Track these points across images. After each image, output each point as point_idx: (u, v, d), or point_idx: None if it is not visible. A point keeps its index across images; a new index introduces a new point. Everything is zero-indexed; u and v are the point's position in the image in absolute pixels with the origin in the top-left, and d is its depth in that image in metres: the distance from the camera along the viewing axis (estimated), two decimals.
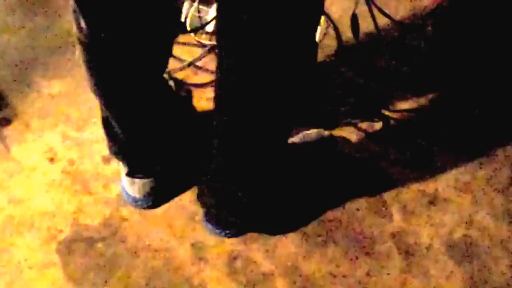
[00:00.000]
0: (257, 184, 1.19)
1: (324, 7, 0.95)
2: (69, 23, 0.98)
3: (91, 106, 1.42)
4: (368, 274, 1.24)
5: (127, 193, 1.30)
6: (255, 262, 1.25)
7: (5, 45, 1.57)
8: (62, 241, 1.26)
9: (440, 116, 1.46)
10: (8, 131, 1.42)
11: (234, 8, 0.86)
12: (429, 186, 1.35)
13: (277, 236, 1.28)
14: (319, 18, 0.95)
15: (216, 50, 1.06)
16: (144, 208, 1.31)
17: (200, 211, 1.28)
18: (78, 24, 0.93)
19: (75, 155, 1.38)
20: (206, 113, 1.43)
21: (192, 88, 1.49)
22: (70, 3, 0.92)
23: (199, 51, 1.55)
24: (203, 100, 1.47)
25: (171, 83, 1.46)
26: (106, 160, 1.37)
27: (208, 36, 1.57)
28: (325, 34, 1.58)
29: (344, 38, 1.58)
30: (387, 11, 1.53)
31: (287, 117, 1.08)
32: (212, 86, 1.39)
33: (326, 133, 1.38)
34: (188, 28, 1.59)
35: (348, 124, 1.44)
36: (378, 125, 1.45)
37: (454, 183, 1.36)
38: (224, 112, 1.03)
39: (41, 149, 1.39)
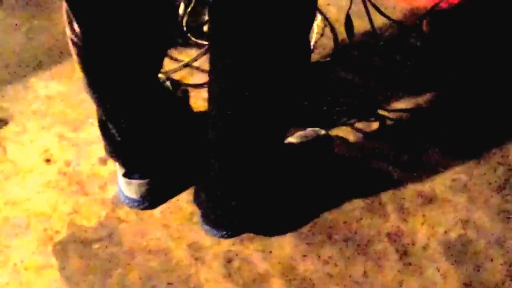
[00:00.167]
0: (254, 185, 1.19)
1: (317, 8, 0.95)
2: None
3: (87, 107, 1.41)
4: (364, 274, 1.24)
5: (123, 194, 1.29)
6: (252, 262, 1.25)
7: (2, 45, 1.57)
8: (59, 242, 1.26)
9: (437, 115, 1.46)
10: (4, 132, 1.42)
11: (226, 11, 0.86)
12: (426, 185, 1.36)
13: (274, 237, 1.28)
14: (313, 19, 0.95)
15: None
16: (140, 209, 1.30)
17: (197, 212, 1.28)
18: (71, 26, 0.93)
19: (71, 156, 1.38)
20: (203, 114, 1.43)
21: (189, 89, 1.49)
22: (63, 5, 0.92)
23: (195, 52, 1.55)
24: (200, 101, 1.46)
25: (168, 83, 1.46)
26: (102, 161, 1.37)
27: (204, 36, 1.57)
28: (322, 34, 1.58)
29: (340, 37, 1.58)
30: (383, 10, 1.53)
31: (283, 118, 1.08)
32: None
33: (323, 132, 1.38)
34: (184, 29, 1.59)
35: (345, 124, 1.44)
36: (374, 125, 1.45)
37: (450, 183, 1.36)
38: (218, 115, 1.03)
39: (37, 150, 1.39)
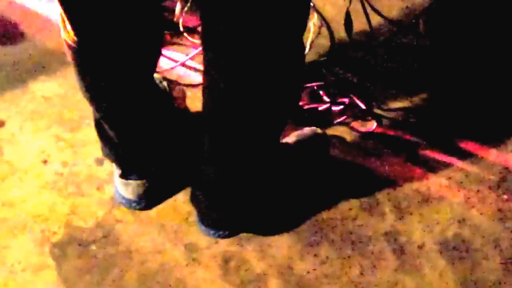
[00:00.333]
0: (249, 185, 1.19)
1: (310, 9, 0.95)
2: None
3: (84, 108, 1.41)
4: (361, 273, 1.25)
5: (120, 195, 1.30)
6: (248, 262, 1.26)
7: None
8: (56, 243, 1.27)
9: (433, 115, 1.46)
10: (1, 133, 1.42)
11: (218, 13, 0.86)
12: (422, 185, 1.36)
13: (271, 237, 1.28)
14: (306, 21, 0.94)
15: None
16: (137, 210, 1.31)
17: (193, 213, 1.28)
18: (65, 28, 0.93)
19: (68, 157, 1.39)
20: (200, 113, 1.43)
21: (185, 89, 1.50)
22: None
23: (191, 51, 1.56)
24: (197, 101, 1.47)
25: (165, 83, 1.46)
26: (99, 162, 1.37)
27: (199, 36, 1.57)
28: (318, 33, 1.58)
29: (337, 37, 1.58)
30: (379, 9, 1.53)
31: (277, 119, 1.09)
32: None
33: (319, 132, 1.38)
34: (181, 29, 1.59)
35: (341, 123, 1.45)
36: (371, 124, 1.45)
37: (446, 182, 1.36)
38: (213, 117, 1.03)
39: (34, 151, 1.40)
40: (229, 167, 1.13)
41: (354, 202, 1.33)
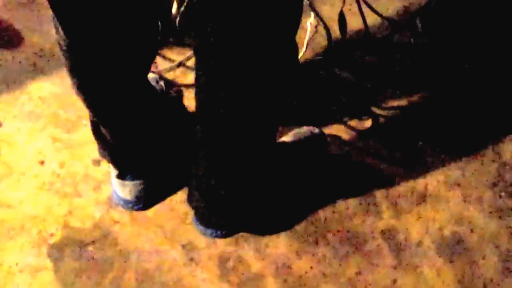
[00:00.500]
0: (245, 184, 1.19)
1: (302, 9, 0.94)
2: None
3: (80, 108, 1.40)
4: (359, 272, 1.25)
5: (117, 196, 1.30)
6: (246, 262, 1.26)
7: None
8: (53, 245, 1.27)
9: (430, 113, 1.46)
10: None
11: (209, 13, 0.85)
12: (419, 183, 1.36)
13: (268, 236, 1.28)
14: (298, 20, 0.94)
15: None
16: (135, 210, 1.31)
17: (191, 213, 1.28)
18: (57, 30, 0.93)
19: (65, 157, 1.38)
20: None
21: (182, 88, 1.49)
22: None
23: (188, 51, 1.55)
24: (194, 101, 1.46)
25: (161, 83, 1.46)
26: (96, 163, 1.37)
27: None
28: (315, 32, 1.58)
29: (334, 36, 1.58)
30: (376, 7, 1.53)
31: (271, 118, 1.08)
32: None
33: (317, 131, 1.38)
34: (178, 28, 1.59)
35: (338, 122, 1.44)
36: (368, 123, 1.45)
37: (444, 179, 1.36)
38: (207, 117, 1.03)
39: (31, 152, 1.39)
40: (223, 166, 1.13)
41: (351, 201, 1.33)
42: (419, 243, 1.28)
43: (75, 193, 1.33)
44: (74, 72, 1.00)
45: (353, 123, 1.44)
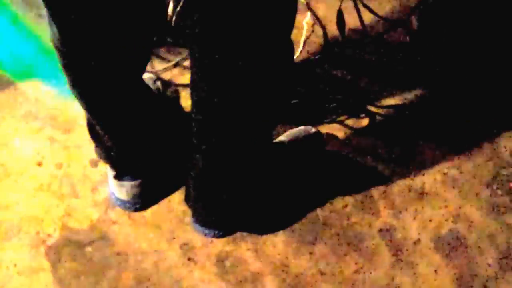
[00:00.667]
0: (242, 184, 1.19)
1: (297, 8, 0.94)
2: None
3: (77, 109, 1.41)
4: (356, 271, 1.25)
5: (115, 196, 1.30)
6: (244, 261, 1.26)
7: None
8: (51, 246, 1.27)
9: (426, 111, 1.46)
10: None
11: (205, 12, 0.85)
12: (416, 181, 1.36)
13: (266, 235, 1.28)
14: (293, 20, 0.94)
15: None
16: (132, 211, 1.31)
17: (188, 213, 1.28)
18: (51, 27, 0.93)
19: (62, 158, 1.38)
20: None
21: (179, 89, 1.49)
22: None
23: (185, 51, 1.55)
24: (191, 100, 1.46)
25: (158, 83, 1.46)
26: (94, 163, 1.37)
27: None
28: (312, 31, 1.58)
29: (330, 34, 1.58)
30: (371, 6, 1.53)
31: (267, 118, 1.08)
32: None
33: (313, 130, 1.38)
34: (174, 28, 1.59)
35: (335, 121, 1.45)
36: (364, 121, 1.45)
37: (441, 177, 1.37)
38: (202, 116, 1.03)
39: (28, 153, 1.39)
40: (220, 165, 1.12)
41: (348, 199, 1.33)
42: (417, 241, 1.28)
43: (72, 194, 1.34)
44: (68, 69, 1.00)
45: (350, 121, 1.45)
